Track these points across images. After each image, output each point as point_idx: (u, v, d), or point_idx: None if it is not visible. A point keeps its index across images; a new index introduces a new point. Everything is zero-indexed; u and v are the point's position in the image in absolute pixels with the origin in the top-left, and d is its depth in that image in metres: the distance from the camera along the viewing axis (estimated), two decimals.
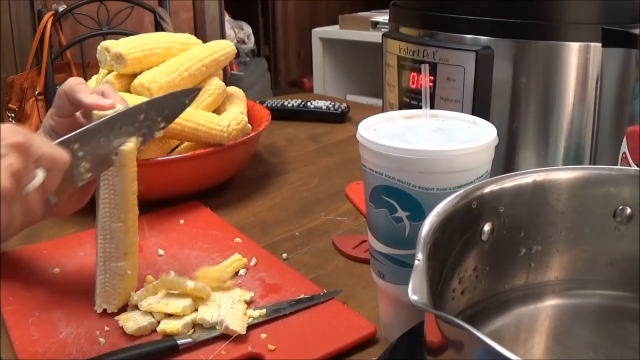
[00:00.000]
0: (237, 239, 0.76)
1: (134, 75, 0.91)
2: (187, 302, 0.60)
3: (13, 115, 2.00)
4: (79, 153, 0.56)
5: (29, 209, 0.50)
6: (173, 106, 0.65)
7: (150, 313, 0.60)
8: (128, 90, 0.91)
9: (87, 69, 2.11)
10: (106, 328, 0.59)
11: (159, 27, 2.19)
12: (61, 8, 2.22)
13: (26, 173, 0.48)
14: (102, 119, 0.59)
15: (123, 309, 0.62)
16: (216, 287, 0.63)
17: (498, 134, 0.53)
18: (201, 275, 0.63)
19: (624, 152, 0.62)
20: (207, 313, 0.59)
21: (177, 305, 0.60)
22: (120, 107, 0.60)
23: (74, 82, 0.61)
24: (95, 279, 0.62)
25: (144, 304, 0.61)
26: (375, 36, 2.65)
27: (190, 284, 0.60)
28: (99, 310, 0.62)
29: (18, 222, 0.48)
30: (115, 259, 0.62)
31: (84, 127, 0.57)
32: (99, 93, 0.62)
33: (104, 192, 0.61)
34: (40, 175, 0.50)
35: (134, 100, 0.86)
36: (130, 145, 0.60)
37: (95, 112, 0.60)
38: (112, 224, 0.61)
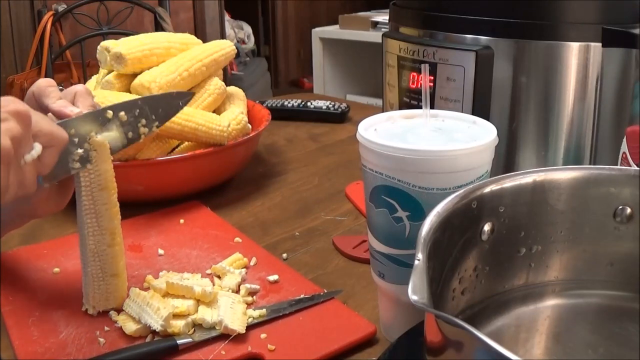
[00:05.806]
0: (237, 239, 0.76)
1: (134, 75, 0.91)
2: (190, 301, 0.60)
3: None
4: (74, 139, 0.56)
5: (23, 182, 0.50)
6: (167, 107, 0.64)
7: None
8: (128, 90, 0.91)
9: (87, 69, 2.11)
10: (106, 328, 0.59)
11: (159, 27, 2.19)
12: (61, 8, 2.22)
13: (25, 141, 0.49)
14: (98, 109, 0.58)
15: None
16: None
17: (498, 134, 0.53)
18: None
19: (624, 152, 0.62)
20: (206, 313, 0.59)
21: (181, 304, 0.60)
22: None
23: (43, 85, 0.59)
24: (83, 277, 0.62)
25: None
26: (375, 36, 2.65)
27: (197, 289, 0.60)
28: (91, 311, 0.61)
29: (12, 191, 0.49)
30: (106, 245, 0.61)
31: (82, 114, 0.57)
32: (71, 94, 0.60)
33: (84, 179, 0.60)
34: (37, 148, 0.50)
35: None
36: (101, 138, 0.58)
37: None
38: (96, 206, 0.60)
